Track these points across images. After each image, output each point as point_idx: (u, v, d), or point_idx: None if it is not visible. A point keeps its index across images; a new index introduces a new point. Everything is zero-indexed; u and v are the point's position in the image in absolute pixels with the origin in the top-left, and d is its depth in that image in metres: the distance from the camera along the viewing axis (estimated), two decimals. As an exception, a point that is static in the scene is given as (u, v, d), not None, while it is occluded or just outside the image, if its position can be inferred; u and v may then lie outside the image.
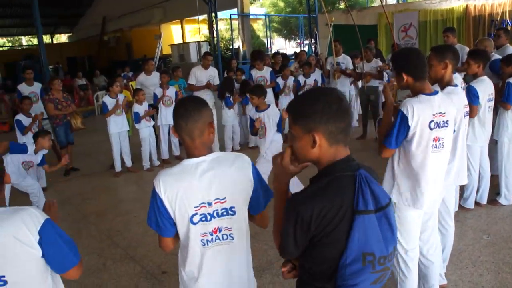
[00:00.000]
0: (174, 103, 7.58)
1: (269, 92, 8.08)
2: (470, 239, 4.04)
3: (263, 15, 26.25)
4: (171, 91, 7.58)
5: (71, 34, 36.99)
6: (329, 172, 1.45)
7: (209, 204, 1.86)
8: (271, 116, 5.13)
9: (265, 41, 25.44)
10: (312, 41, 15.29)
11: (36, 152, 5.51)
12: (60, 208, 6.07)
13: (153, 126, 7.58)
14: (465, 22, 11.53)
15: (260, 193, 1.96)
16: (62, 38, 39.72)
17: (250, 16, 22.60)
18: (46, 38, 38.06)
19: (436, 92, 2.66)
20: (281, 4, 31.02)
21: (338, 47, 8.18)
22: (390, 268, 1.47)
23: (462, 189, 4.54)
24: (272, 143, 5.17)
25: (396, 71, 2.67)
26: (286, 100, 8.18)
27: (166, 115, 7.52)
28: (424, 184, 2.65)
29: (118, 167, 7.30)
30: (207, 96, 7.77)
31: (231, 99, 7.66)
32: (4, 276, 1.64)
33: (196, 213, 1.85)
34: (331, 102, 1.42)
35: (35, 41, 39.31)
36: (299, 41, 26.07)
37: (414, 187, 2.68)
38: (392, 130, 2.61)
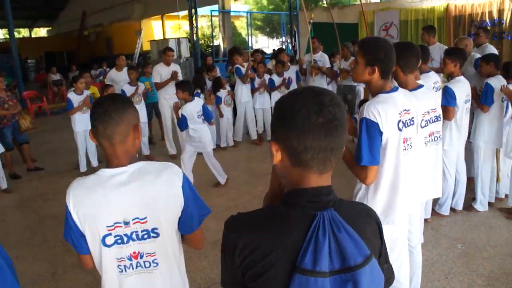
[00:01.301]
0: (142, 100, 7.29)
1: (247, 90, 7.82)
2: (444, 248, 3.82)
3: (244, 12, 25.93)
4: (139, 89, 7.26)
5: (50, 28, 36.23)
6: (286, 201, 1.11)
7: (126, 223, 1.57)
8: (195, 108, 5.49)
9: (247, 39, 25.18)
10: (287, 39, 15.04)
11: None
12: (18, 210, 5.81)
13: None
14: (445, 22, 11.40)
15: (193, 210, 1.67)
16: (42, 32, 38.92)
17: (232, 13, 22.28)
18: (25, 32, 37.32)
19: (396, 88, 2.36)
20: (264, 1, 30.77)
21: (316, 45, 7.95)
22: None
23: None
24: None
25: (367, 62, 2.27)
26: (260, 98, 7.93)
27: (134, 113, 7.20)
28: (399, 195, 2.36)
29: (83, 166, 6.97)
30: (174, 94, 7.46)
31: (200, 95, 7.35)
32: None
33: (110, 234, 1.57)
34: (312, 109, 1.03)
35: (13, 35, 38.50)
36: (282, 39, 25.88)
37: (389, 200, 2.37)
38: (360, 144, 2.22)
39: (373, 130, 2.22)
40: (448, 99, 4.00)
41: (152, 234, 1.61)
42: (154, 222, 1.59)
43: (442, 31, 11.38)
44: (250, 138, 8.25)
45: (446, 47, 6.02)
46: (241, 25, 33.33)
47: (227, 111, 7.75)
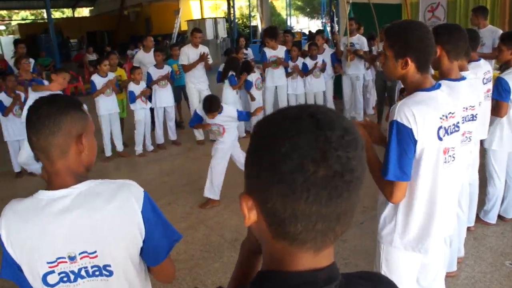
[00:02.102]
0: (168, 84, 7.01)
1: (282, 74, 7.39)
2: (488, 264, 3.33)
3: (283, -9, 25.25)
4: (165, 71, 6.96)
5: (92, 8, 36.64)
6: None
7: (72, 259, 1.26)
8: (227, 118, 4.71)
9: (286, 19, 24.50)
10: (328, 20, 14.40)
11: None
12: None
13: (151, 109, 6.99)
14: (500, 1, 10.48)
15: (159, 238, 1.35)
16: (85, 12, 39.43)
17: (271, -8, 21.71)
18: (68, 12, 37.96)
19: (438, 85, 1.90)
20: (306, -20, 29.89)
21: (353, 26, 7.37)
22: None
23: (482, 199, 3.82)
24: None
25: (396, 53, 1.84)
26: (293, 84, 7.48)
27: (160, 97, 6.94)
28: (436, 218, 1.91)
29: (108, 151, 6.77)
30: (202, 78, 7.17)
31: (235, 78, 6.96)
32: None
33: (52, 271, 1.26)
34: (309, 153, 0.63)
35: (56, 14, 39.26)
36: (323, 20, 25.07)
37: (424, 225, 1.93)
38: (388, 153, 1.81)
39: (405, 137, 1.78)
40: (500, 92, 3.47)
41: (104, 272, 1.29)
42: (106, 257, 1.28)
43: (495, 12, 10.47)
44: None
45: (500, 30, 5.38)
46: (281, 5, 32.58)
47: (258, 95, 7.36)
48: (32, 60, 7.96)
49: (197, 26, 19.26)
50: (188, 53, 7.03)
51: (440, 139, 1.82)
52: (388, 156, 1.81)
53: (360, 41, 7.50)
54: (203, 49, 7.13)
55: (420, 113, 1.77)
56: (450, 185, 1.92)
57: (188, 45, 7.21)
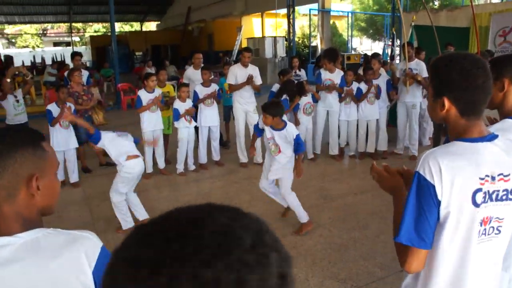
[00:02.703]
0: (215, 103, 6.87)
1: (335, 99, 7.09)
2: None
3: (345, 12, 24.76)
4: (212, 89, 6.82)
5: (159, 22, 38.08)
6: None
7: None
8: (287, 136, 4.47)
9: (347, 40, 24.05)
10: (389, 43, 13.86)
11: None
12: (76, 207, 5.69)
13: (195, 127, 6.88)
14: None
15: None
16: (152, 26, 41.04)
17: (332, 13, 21.36)
18: (136, 25, 39.71)
19: (490, 137, 1.49)
20: (370, 1, 29.15)
21: (410, 53, 6.87)
22: None
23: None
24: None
25: (434, 90, 1.52)
26: (346, 110, 7.10)
27: (205, 116, 6.80)
28: None
29: (149, 167, 6.69)
30: (249, 99, 6.98)
31: (288, 102, 6.70)
32: None
33: None
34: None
35: (126, 28, 41.15)
36: (385, 42, 24.41)
37: None
38: (405, 211, 1.44)
39: (426, 195, 1.41)
40: None
41: None
42: None
43: None
44: (329, 151, 7.45)
45: None
46: (344, 25, 32.18)
47: (306, 120, 7.06)
48: (86, 72, 8.15)
49: (257, 44, 19.41)
50: (236, 73, 6.87)
51: (476, 205, 1.42)
52: (404, 214, 1.44)
53: (419, 66, 7.00)
54: (252, 69, 6.93)
55: (449, 168, 1.40)
56: (487, 264, 1.50)
57: (238, 65, 7.06)
